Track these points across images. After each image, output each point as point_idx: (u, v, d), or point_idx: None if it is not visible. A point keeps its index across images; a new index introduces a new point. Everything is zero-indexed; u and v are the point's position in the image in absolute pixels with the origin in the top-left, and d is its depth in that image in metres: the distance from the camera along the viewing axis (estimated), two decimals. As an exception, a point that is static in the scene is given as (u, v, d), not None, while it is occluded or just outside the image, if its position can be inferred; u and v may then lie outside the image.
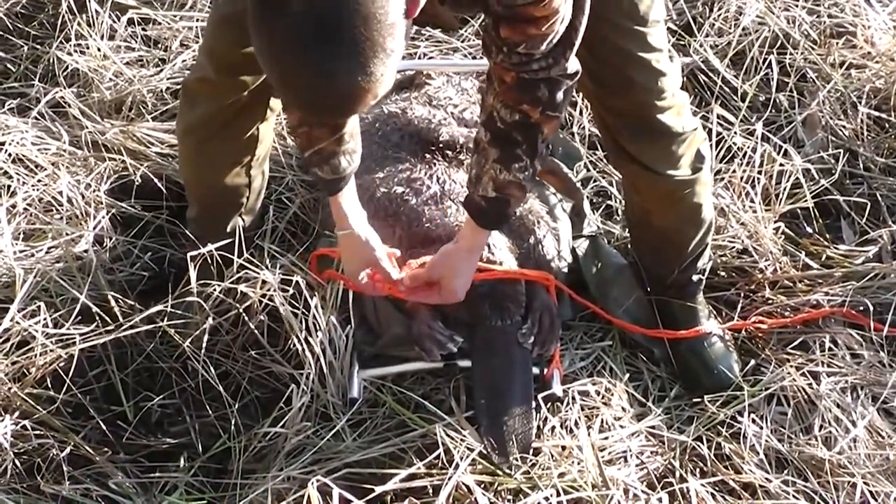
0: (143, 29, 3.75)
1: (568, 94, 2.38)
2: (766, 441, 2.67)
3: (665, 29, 2.60)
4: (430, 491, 2.50)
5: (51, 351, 2.74)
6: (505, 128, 2.39)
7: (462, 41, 3.79)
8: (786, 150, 3.33)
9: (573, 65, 2.32)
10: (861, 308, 2.95)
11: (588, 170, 3.36)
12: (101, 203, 3.15)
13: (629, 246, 3.08)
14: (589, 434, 2.60)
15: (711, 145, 3.21)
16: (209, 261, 2.76)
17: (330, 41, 1.74)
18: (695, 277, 2.94)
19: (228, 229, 2.90)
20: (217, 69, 2.72)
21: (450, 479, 2.44)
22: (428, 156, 2.97)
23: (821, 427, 2.71)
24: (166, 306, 2.76)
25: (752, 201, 3.17)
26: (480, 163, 2.49)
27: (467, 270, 2.69)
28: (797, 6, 3.82)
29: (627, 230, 3.07)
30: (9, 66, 3.77)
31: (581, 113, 3.42)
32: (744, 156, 3.26)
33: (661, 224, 2.86)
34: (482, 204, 2.52)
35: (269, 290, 2.72)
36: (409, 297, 2.76)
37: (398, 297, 2.76)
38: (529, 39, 2.19)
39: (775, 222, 3.17)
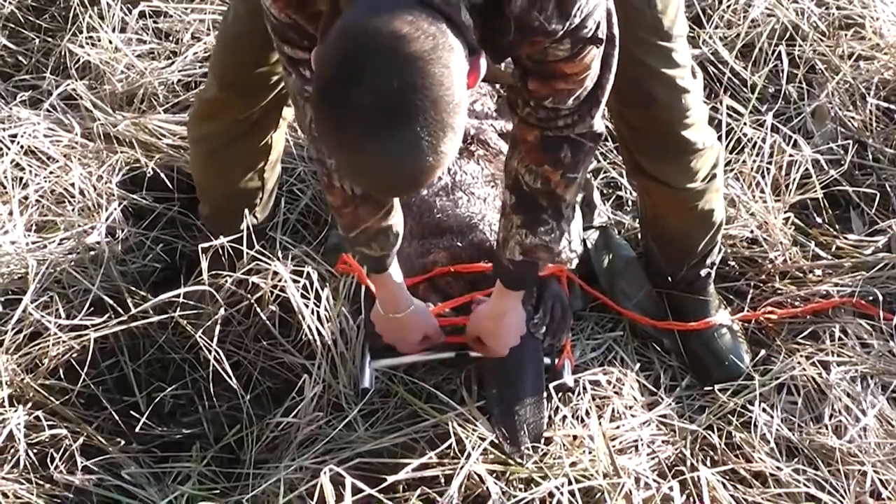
0: (155, 21, 3.76)
1: (588, 157, 2.34)
2: (777, 430, 2.68)
3: (687, 44, 2.57)
4: (443, 480, 2.51)
5: (63, 342, 2.76)
6: (530, 192, 2.35)
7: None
8: (795, 141, 3.33)
9: (598, 125, 2.27)
10: (871, 298, 2.95)
11: (598, 160, 3.36)
12: (113, 195, 3.16)
13: (639, 239, 3.09)
14: (600, 423, 2.60)
15: (721, 136, 3.21)
16: (220, 252, 2.77)
17: (401, 128, 1.71)
18: (703, 272, 2.94)
19: (242, 227, 2.86)
20: (226, 89, 2.73)
21: (462, 468, 2.45)
22: (439, 147, 2.96)
23: (831, 416, 2.72)
24: (178, 297, 2.77)
25: (762, 191, 3.17)
26: (507, 227, 2.45)
27: (506, 330, 2.66)
28: (806, -2, 3.82)
29: (638, 225, 3.08)
30: (21, 58, 3.78)
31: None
32: (753, 146, 3.26)
33: (672, 227, 2.88)
34: (510, 268, 2.50)
35: (280, 280, 2.73)
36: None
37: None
38: (557, 94, 2.15)
39: (785, 212, 3.18)
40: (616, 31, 2.14)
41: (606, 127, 2.90)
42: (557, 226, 2.41)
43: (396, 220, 2.51)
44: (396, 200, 2.50)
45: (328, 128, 1.79)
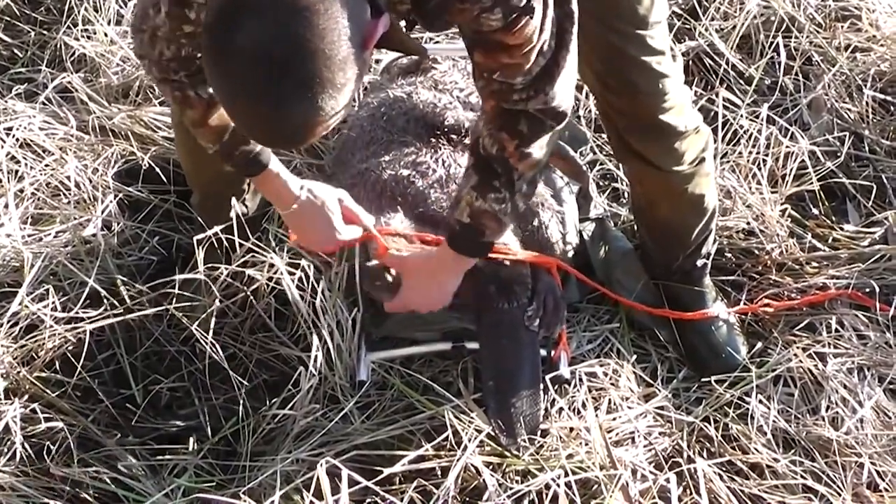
0: (150, 14, 3.75)
1: (552, 140, 2.35)
2: (774, 422, 2.69)
3: (667, 28, 2.58)
4: (439, 472, 2.51)
5: (59, 334, 2.76)
6: (486, 155, 2.37)
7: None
8: (792, 133, 3.33)
9: (560, 102, 2.27)
10: (867, 290, 2.96)
11: (594, 153, 3.36)
12: (109, 187, 3.16)
13: (635, 230, 3.09)
14: (596, 415, 2.60)
15: (717, 127, 3.21)
16: (216, 245, 2.76)
17: (278, 79, 1.73)
18: (699, 262, 2.94)
19: (232, 214, 2.84)
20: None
21: (458, 460, 2.46)
22: (433, 140, 2.96)
23: (828, 408, 2.72)
24: (174, 289, 2.77)
25: (758, 183, 3.17)
26: (463, 186, 2.46)
27: (423, 288, 2.62)
28: (802, -11, 3.82)
29: (633, 217, 3.08)
30: (16, 51, 3.77)
31: (587, 97, 3.41)
32: (750, 137, 3.26)
33: (664, 214, 2.87)
34: (456, 227, 2.49)
35: (276, 272, 2.73)
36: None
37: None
38: (504, 68, 2.17)
39: (781, 204, 3.18)
40: (574, 7, 2.16)
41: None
42: (510, 197, 2.40)
43: None
44: None
45: (211, 74, 1.81)
